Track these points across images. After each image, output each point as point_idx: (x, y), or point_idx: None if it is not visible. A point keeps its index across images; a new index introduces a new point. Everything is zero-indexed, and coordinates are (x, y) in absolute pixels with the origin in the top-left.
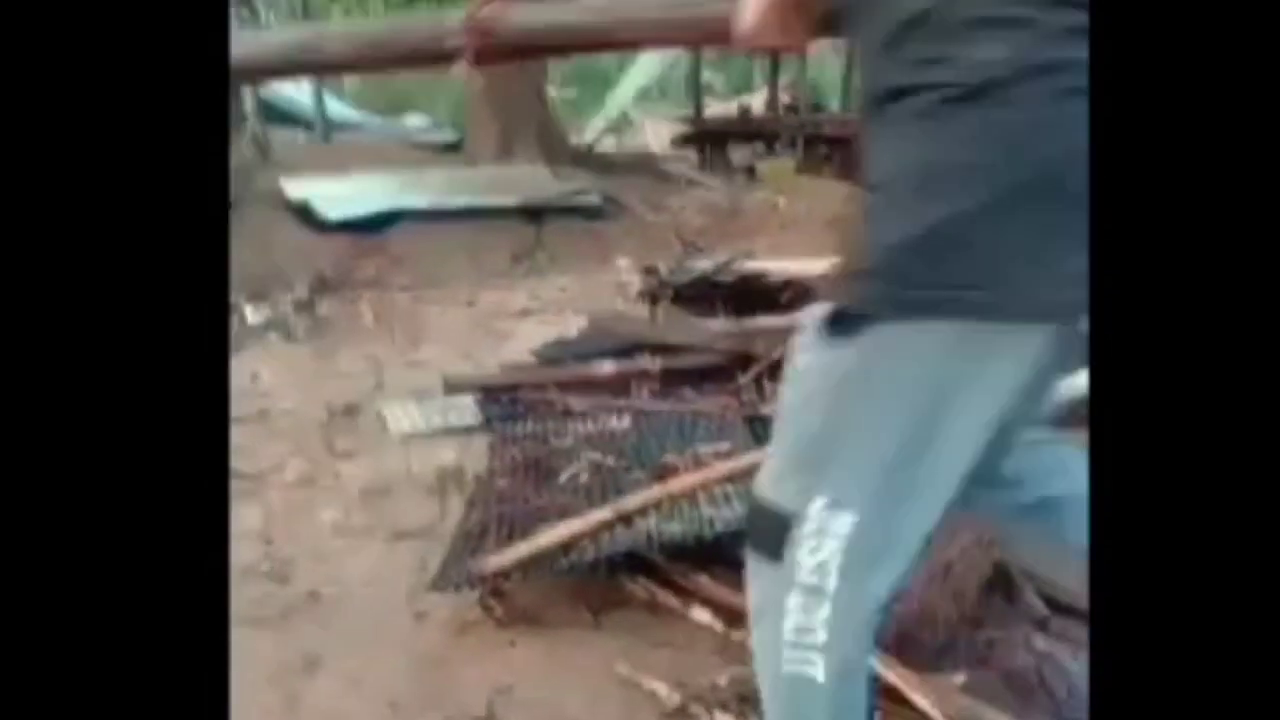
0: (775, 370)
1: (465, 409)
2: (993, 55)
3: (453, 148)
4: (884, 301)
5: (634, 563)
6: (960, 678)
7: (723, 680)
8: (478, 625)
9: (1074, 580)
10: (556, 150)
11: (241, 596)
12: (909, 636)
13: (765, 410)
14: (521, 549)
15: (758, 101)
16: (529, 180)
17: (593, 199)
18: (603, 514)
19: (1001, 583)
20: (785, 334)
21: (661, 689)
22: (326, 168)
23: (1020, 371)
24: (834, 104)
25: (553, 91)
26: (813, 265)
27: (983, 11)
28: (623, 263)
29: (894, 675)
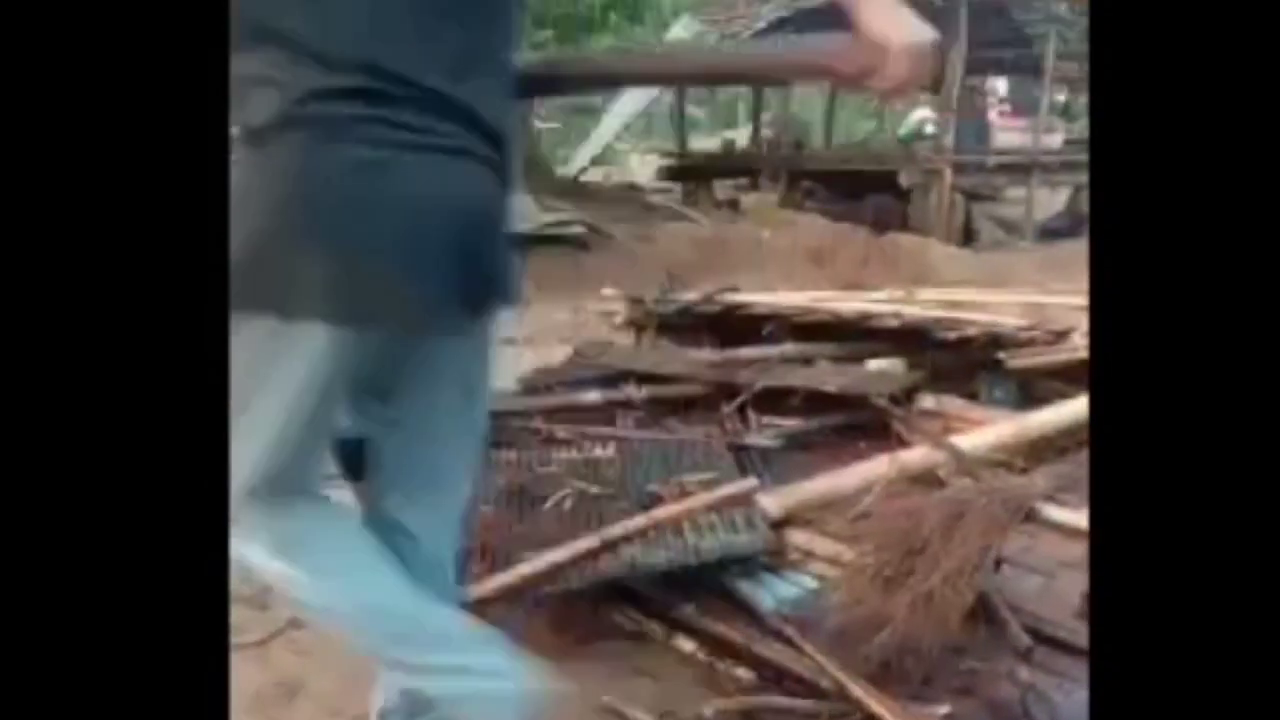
0: (759, 400)
1: None
2: (264, 108)
3: None
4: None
5: (618, 592)
6: (943, 709)
7: (708, 711)
8: None
9: (1059, 611)
10: (541, 181)
11: None
12: (891, 666)
13: (750, 439)
14: (504, 577)
15: (742, 136)
16: (516, 210)
17: (578, 229)
18: (587, 542)
19: (985, 612)
20: (769, 365)
21: (645, 718)
22: None
23: (305, 364)
24: (817, 140)
25: (537, 123)
26: (796, 298)
27: (250, 70)
28: (608, 292)
29: (876, 705)
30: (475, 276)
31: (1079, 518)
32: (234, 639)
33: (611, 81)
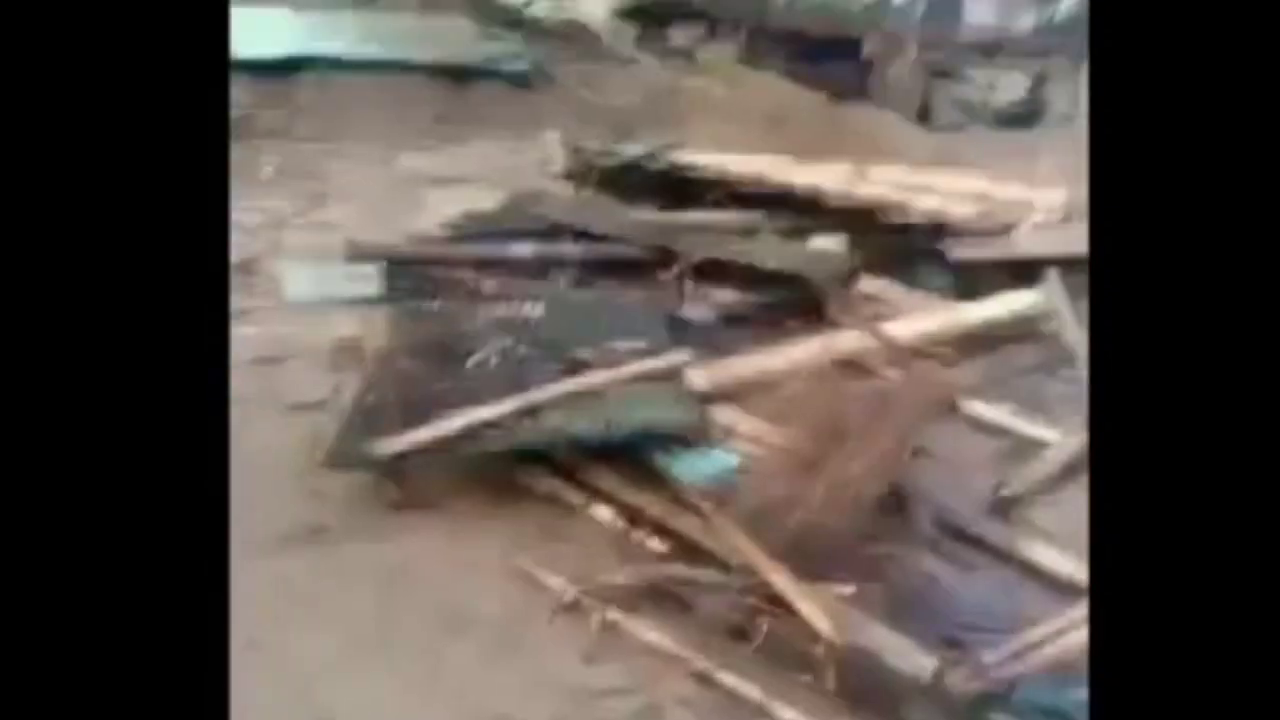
0: (697, 270)
1: (369, 278)
2: None
3: None
4: None
5: (538, 456)
6: (848, 589)
7: (619, 578)
8: (373, 507)
9: (969, 506)
10: (486, 7)
11: None
12: (800, 545)
13: (685, 310)
14: (422, 433)
15: None
16: (455, 36)
17: (522, 65)
18: (511, 404)
19: (897, 501)
20: (711, 232)
21: (557, 583)
22: None
23: None
24: None
25: None
26: (746, 164)
27: None
28: (549, 137)
29: (783, 582)
30: None
31: (999, 413)
32: None
33: None
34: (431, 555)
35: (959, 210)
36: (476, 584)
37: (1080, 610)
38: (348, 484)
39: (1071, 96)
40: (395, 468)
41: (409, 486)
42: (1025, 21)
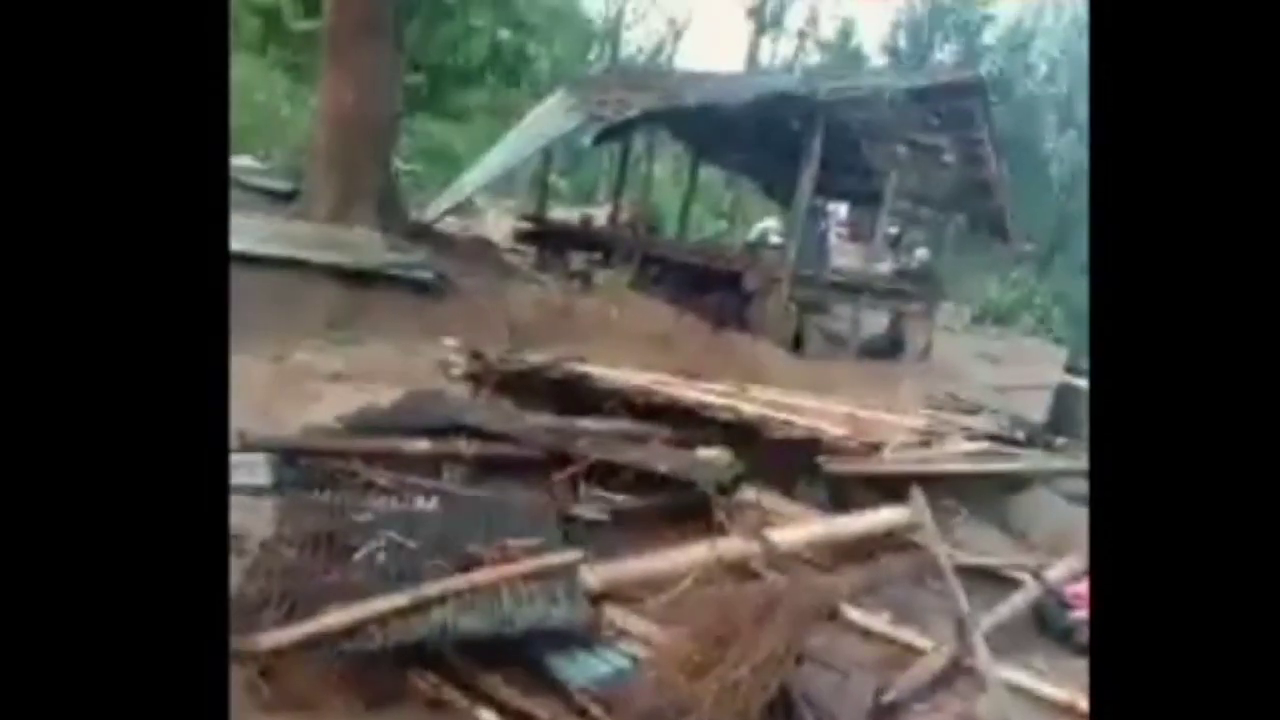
0: (591, 472)
1: (257, 468)
2: None
3: (286, 197)
4: None
5: (422, 655)
6: None
7: None
8: (240, 707)
9: (852, 711)
10: (395, 220)
11: None
12: None
13: (578, 510)
14: (302, 628)
15: (600, 214)
16: (361, 243)
17: (426, 274)
18: (397, 599)
19: (784, 706)
20: (604, 438)
21: None
22: None
23: None
24: (670, 229)
25: (398, 162)
26: (637, 378)
27: None
28: (449, 342)
29: None
30: None
31: (877, 621)
32: None
33: None
34: None
35: (832, 429)
36: None
37: None
38: None
39: (925, 334)
40: (269, 664)
41: (283, 685)
42: (884, 267)
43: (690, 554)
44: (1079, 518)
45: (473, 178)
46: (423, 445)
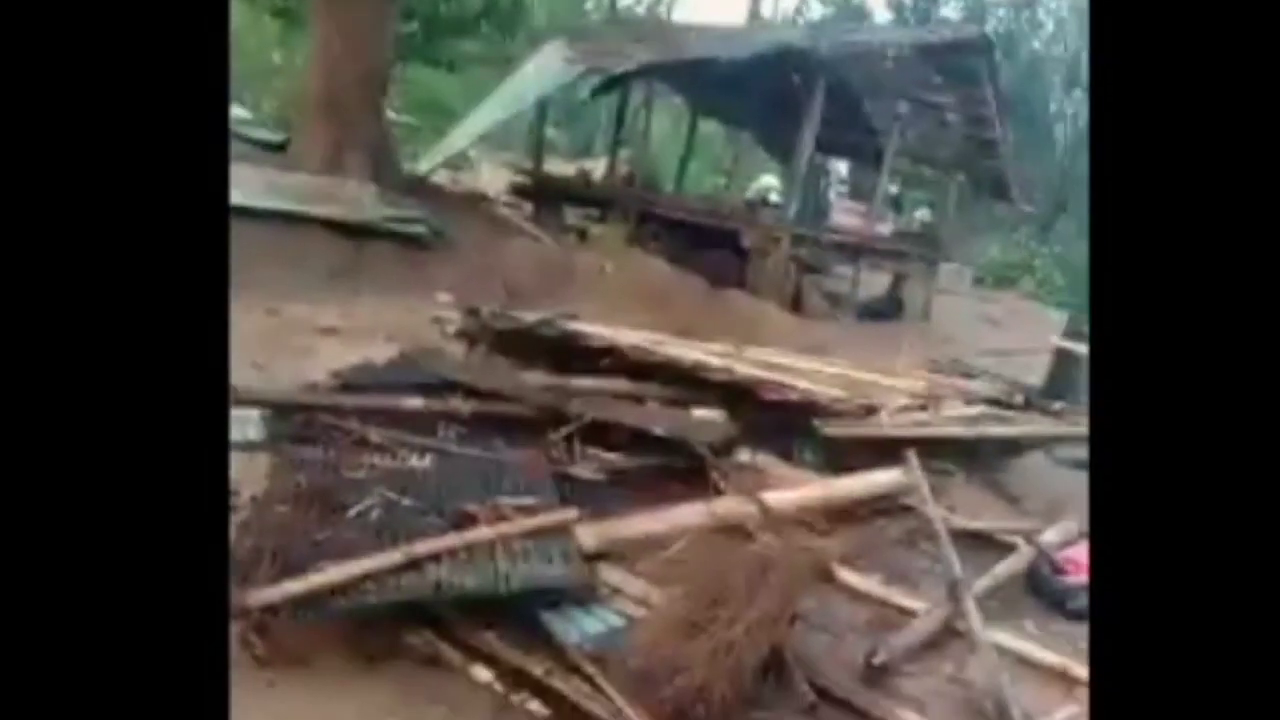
0: (587, 431)
1: (249, 423)
2: None
3: (277, 148)
4: None
5: (417, 612)
6: None
7: None
8: (234, 663)
9: (843, 671)
10: (388, 172)
11: None
12: (684, 710)
13: (573, 469)
14: (295, 584)
15: (597, 168)
16: (354, 196)
17: (420, 228)
18: (391, 556)
19: (776, 666)
20: (600, 397)
21: None
22: None
23: None
24: (669, 184)
25: (392, 114)
26: (634, 336)
27: None
28: (443, 298)
29: None
30: None
31: (870, 583)
32: None
33: None
34: (294, 714)
35: (828, 392)
36: None
37: None
38: None
39: (924, 296)
40: (264, 620)
41: (278, 641)
42: (884, 227)
43: (685, 515)
44: (1074, 483)
45: (466, 129)
46: (417, 402)
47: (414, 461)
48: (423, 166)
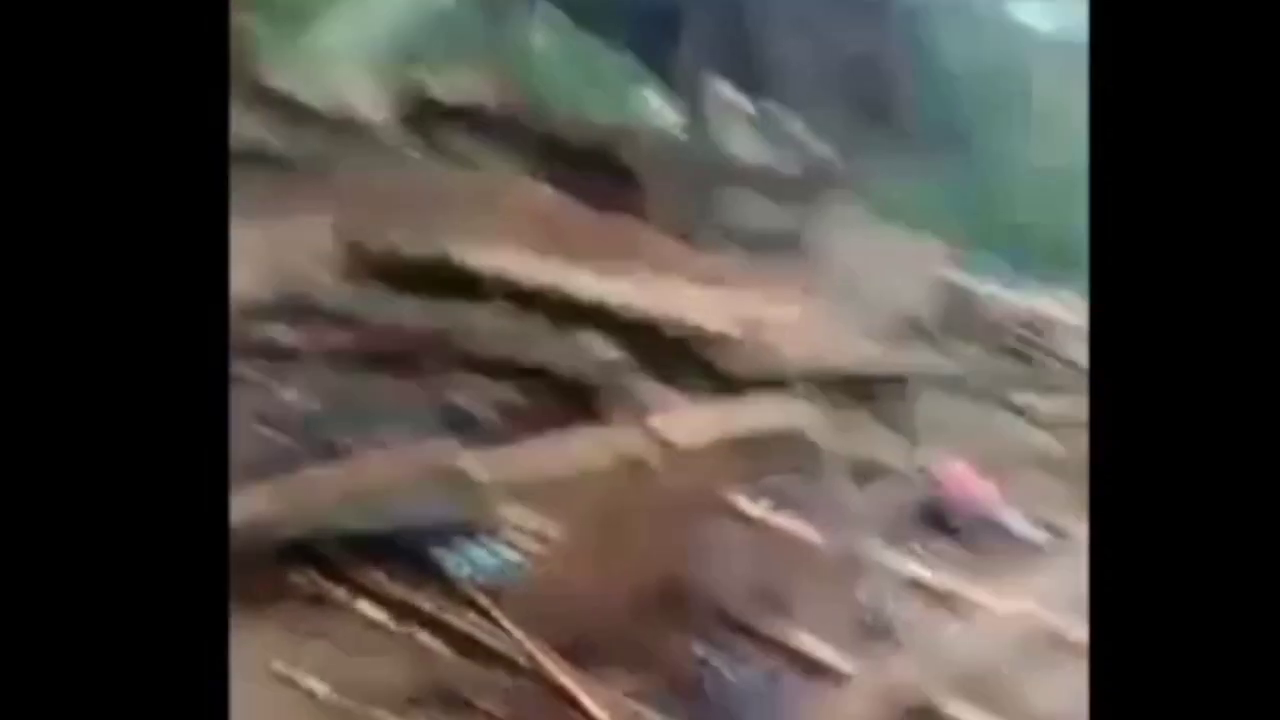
0: (470, 362)
1: None
2: None
3: None
4: None
5: (301, 551)
6: (628, 682)
7: (390, 679)
8: None
9: (739, 598)
10: (242, 88)
11: None
12: (581, 639)
13: (458, 400)
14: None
15: (474, 85)
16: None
17: (292, 151)
18: (268, 495)
19: (673, 594)
20: (485, 327)
21: (320, 688)
22: None
23: None
24: (552, 103)
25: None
26: (521, 262)
27: None
28: (319, 225)
29: (564, 678)
30: None
31: (764, 511)
32: None
33: None
34: None
35: (721, 322)
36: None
37: None
38: None
39: (824, 230)
40: None
41: None
42: (780, 157)
43: (575, 445)
44: (965, 415)
45: (327, 39)
46: (292, 335)
47: (289, 395)
48: (280, 81)
